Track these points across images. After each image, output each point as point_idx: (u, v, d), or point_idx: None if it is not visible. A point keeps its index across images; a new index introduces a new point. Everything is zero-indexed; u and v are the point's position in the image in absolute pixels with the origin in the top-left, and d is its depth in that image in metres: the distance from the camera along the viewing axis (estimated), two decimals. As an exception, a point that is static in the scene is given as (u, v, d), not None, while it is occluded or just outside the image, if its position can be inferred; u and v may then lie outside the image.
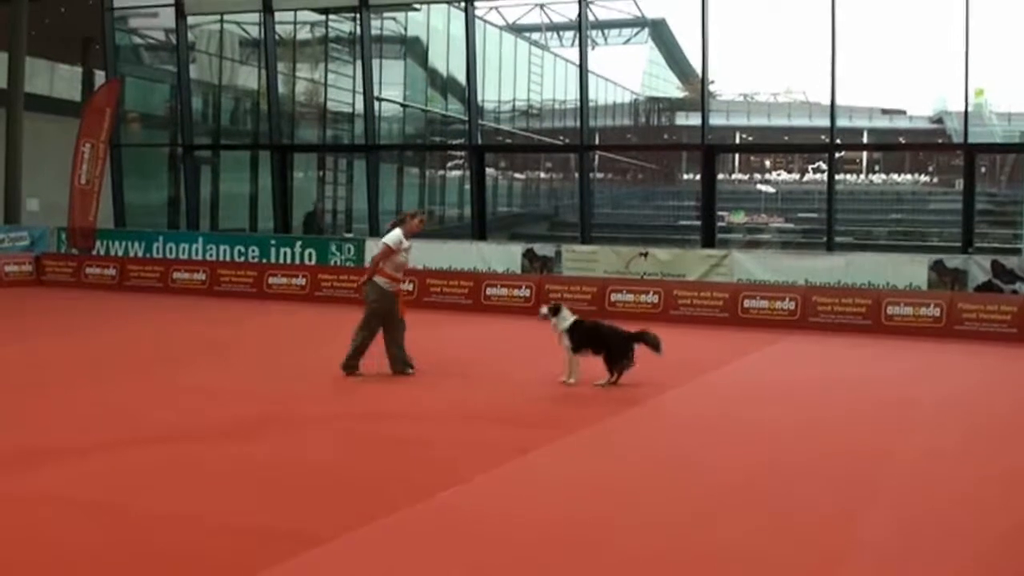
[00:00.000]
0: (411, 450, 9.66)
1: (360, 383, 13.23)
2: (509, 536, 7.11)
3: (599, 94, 46.74)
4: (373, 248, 25.06)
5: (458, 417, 11.46)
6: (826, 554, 6.92)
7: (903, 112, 60.63)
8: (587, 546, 6.90)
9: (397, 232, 13.69)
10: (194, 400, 11.81)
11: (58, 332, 18.39)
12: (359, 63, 29.43)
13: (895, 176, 63.16)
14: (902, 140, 58.35)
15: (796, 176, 64.39)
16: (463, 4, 28.02)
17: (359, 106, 30.68)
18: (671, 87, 63.00)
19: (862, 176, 63.36)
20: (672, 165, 62.36)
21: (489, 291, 23.06)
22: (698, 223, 28.46)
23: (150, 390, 12.40)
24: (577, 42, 29.42)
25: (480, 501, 7.99)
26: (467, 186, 31.87)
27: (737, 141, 59.11)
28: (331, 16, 33.66)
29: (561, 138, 45.64)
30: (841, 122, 28.26)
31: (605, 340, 13.39)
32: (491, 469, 8.82)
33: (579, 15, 27.65)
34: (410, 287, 23.00)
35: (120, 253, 27.90)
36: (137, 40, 34.60)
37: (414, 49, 37.66)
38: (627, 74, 55.74)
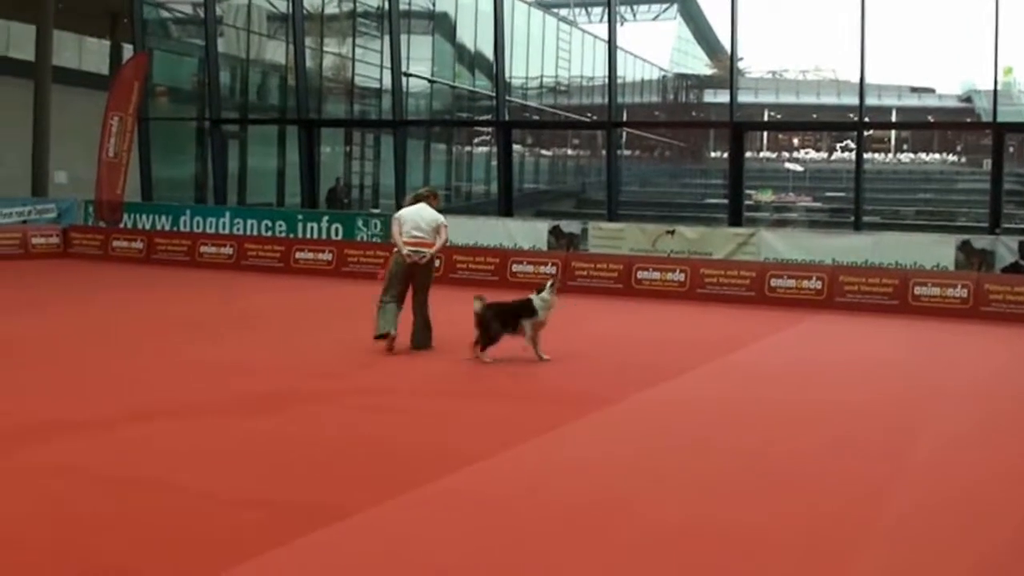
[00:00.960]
0: (435, 425, 9.67)
1: (385, 358, 13.25)
2: (529, 512, 7.10)
3: (627, 70, 46.67)
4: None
5: (481, 393, 11.49)
6: (844, 537, 6.87)
7: (932, 90, 60.34)
8: (605, 524, 6.91)
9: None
10: (217, 374, 11.85)
11: (83, 304, 18.46)
12: (387, 38, 29.44)
13: (923, 155, 62.87)
14: (930, 119, 58.06)
15: (824, 155, 64.12)
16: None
17: (387, 81, 30.71)
18: (699, 64, 62.80)
19: (890, 155, 63.08)
20: (700, 143, 62.25)
21: (515, 267, 23.01)
22: (725, 201, 28.38)
23: (173, 363, 12.43)
24: (605, 18, 29.34)
25: (503, 477, 7.99)
26: (494, 162, 31.85)
27: (765, 119, 58.87)
28: (359, -10, 33.73)
29: (588, 115, 45.58)
30: (870, 100, 28.07)
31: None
32: (513, 446, 8.82)
33: (608, -9, 27.58)
34: (437, 263, 23.07)
35: (147, 226, 27.98)
36: (165, 14, 34.66)
37: (442, 24, 37.65)
38: (655, 50, 55.61)
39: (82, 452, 8.23)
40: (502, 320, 13.26)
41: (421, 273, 13.95)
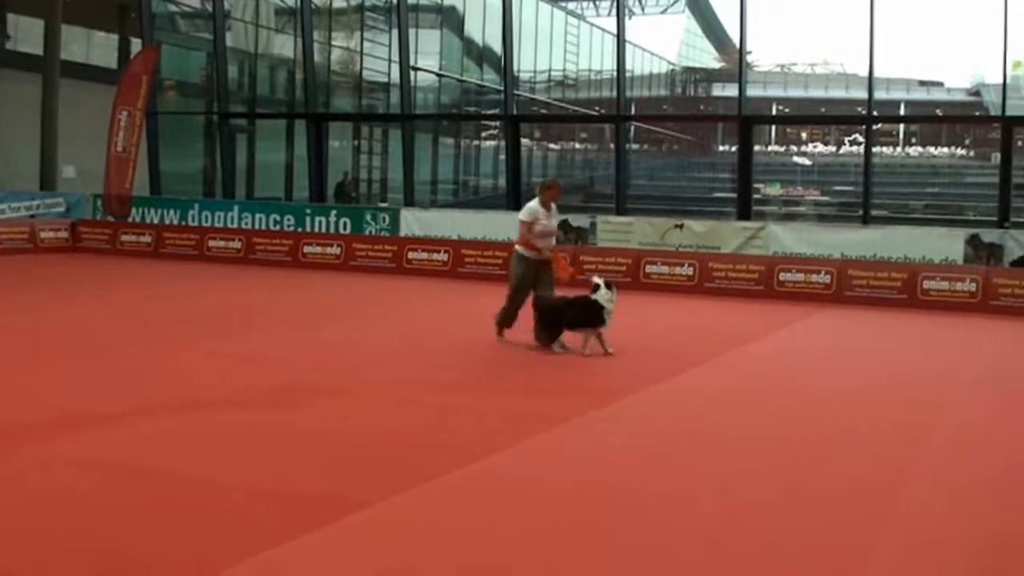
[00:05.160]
0: (453, 418, 9.68)
1: (400, 353, 13.28)
2: (542, 501, 7.09)
3: (635, 64, 46.64)
4: (409, 217, 25.24)
5: (498, 388, 11.52)
6: (852, 534, 6.87)
7: (940, 84, 60.40)
8: (618, 513, 6.91)
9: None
10: (231, 367, 11.86)
11: (94, 298, 18.46)
12: (395, 32, 29.46)
13: (932, 149, 62.92)
14: (939, 112, 58.02)
15: (832, 148, 64.17)
16: (500, -27, 27.96)
17: (395, 75, 30.75)
18: (707, 57, 62.84)
19: (898, 149, 63.12)
20: (708, 136, 62.27)
21: (523, 261, 22.98)
22: (734, 195, 28.40)
23: (187, 357, 12.42)
24: (613, 11, 29.31)
25: (518, 468, 7.98)
26: (502, 156, 31.85)
27: (773, 112, 58.84)
28: (367, -16, 33.80)
29: (597, 108, 45.57)
30: (878, 94, 27.99)
31: None
32: (529, 437, 8.83)
33: (616, -16, 27.57)
34: (444, 257, 23.14)
35: (156, 220, 28.04)
36: (173, 8, 34.70)
37: (450, 18, 37.69)
38: (663, 44, 55.62)
39: (101, 444, 8.24)
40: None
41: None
